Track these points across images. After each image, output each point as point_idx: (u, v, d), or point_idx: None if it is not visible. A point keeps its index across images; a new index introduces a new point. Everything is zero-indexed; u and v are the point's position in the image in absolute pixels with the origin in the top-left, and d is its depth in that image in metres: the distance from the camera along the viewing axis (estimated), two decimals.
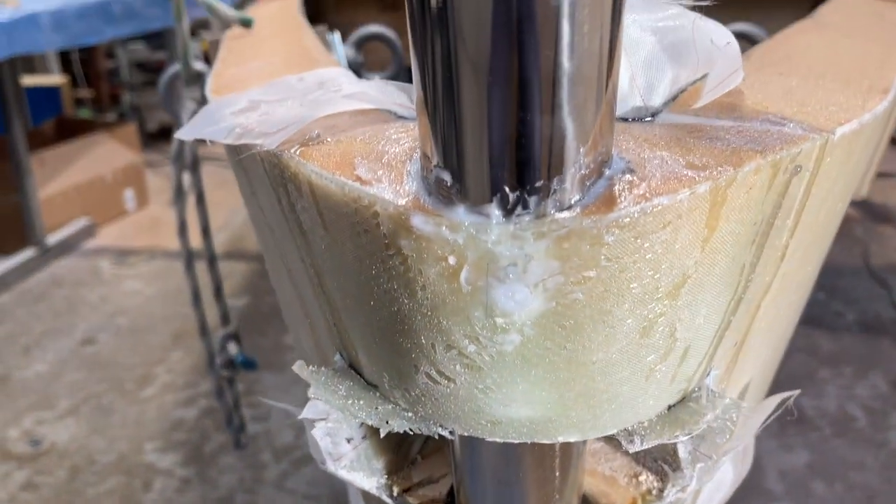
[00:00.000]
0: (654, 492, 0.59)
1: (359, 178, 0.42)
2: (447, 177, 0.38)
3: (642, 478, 0.60)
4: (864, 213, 3.21)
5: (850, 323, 2.58)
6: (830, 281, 2.78)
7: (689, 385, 0.51)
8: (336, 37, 1.27)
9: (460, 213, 0.39)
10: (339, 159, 0.45)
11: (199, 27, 3.42)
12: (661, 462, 0.60)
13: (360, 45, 1.47)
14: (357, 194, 0.42)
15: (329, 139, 0.48)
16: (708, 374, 0.53)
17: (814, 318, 2.55)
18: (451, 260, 0.40)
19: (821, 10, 1.08)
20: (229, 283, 2.86)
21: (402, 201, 0.40)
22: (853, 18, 1.00)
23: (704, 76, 0.51)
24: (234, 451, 2.00)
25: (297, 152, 0.46)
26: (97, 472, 1.98)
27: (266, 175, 0.51)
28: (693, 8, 0.49)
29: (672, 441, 0.49)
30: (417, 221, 0.39)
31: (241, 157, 0.53)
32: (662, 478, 0.59)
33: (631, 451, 0.48)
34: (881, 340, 2.48)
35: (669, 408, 0.51)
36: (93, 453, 2.04)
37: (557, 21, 0.33)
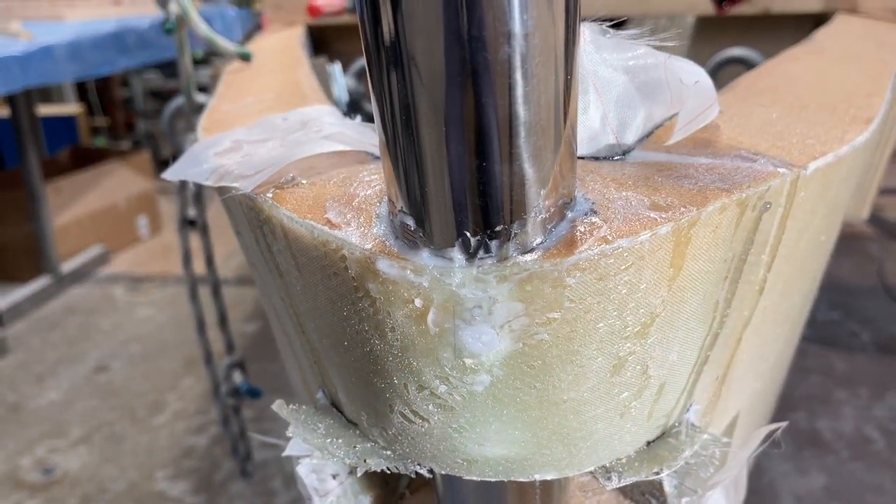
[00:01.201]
0: None
1: (328, 222, 0.43)
2: (411, 221, 0.39)
3: None
4: (879, 230, 3.17)
5: (866, 343, 2.55)
6: (845, 300, 2.75)
7: (669, 420, 0.51)
8: (336, 68, 1.29)
9: (424, 256, 0.39)
10: (311, 203, 0.45)
11: (211, 55, 3.48)
12: (648, 496, 0.60)
13: (361, 75, 1.49)
14: (325, 238, 0.42)
15: (304, 182, 0.49)
16: (688, 409, 0.53)
17: (829, 338, 2.51)
18: (418, 302, 0.40)
19: (818, 34, 1.08)
20: (239, 308, 2.88)
21: (368, 245, 0.41)
22: (849, 44, 1.00)
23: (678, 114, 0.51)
24: (244, 478, 2.00)
25: (272, 196, 0.47)
26: (109, 500, 1.98)
27: (245, 216, 0.52)
28: (660, 47, 0.50)
29: (651, 478, 0.49)
30: (383, 265, 0.40)
31: (222, 197, 0.54)
32: None
33: (608, 489, 0.48)
34: None
35: (648, 443, 0.51)
36: (104, 481, 2.05)
37: (510, 73, 0.34)
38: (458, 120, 0.35)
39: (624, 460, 0.49)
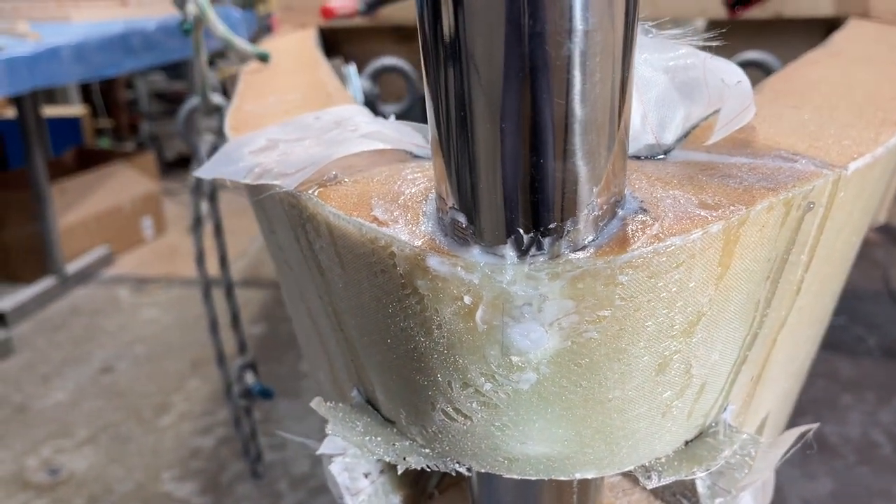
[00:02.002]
0: None
1: (375, 219, 0.43)
2: (462, 218, 0.39)
3: None
4: (885, 236, 3.18)
5: (872, 348, 2.55)
6: (851, 305, 2.75)
7: (706, 420, 0.51)
8: (352, 69, 1.29)
9: (475, 253, 0.39)
10: (356, 200, 0.45)
11: (216, 57, 3.49)
12: (680, 496, 0.60)
13: (376, 76, 1.49)
14: (374, 235, 0.42)
15: (346, 180, 0.49)
16: (725, 409, 0.53)
17: (835, 343, 2.51)
18: (467, 300, 0.40)
19: (833, 38, 1.08)
20: (246, 310, 2.88)
21: (418, 242, 0.41)
22: (865, 47, 1.01)
23: (716, 113, 0.51)
24: (250, 480, 1.99)
25: (315, 193, 0.47)
26: (115, 501, 1.98)
27: (285, 215, 0.52)
28: (703, 47, 0.50)
29: (690, 477, 0.49)
30: (433, 262, 0.40)
31: (260, 196, 0.54)
32: None
33: (649, 488, 0.48)
34: None
35: (686, 443, 0.51)
36: (111, 482, 2.05)
37: (568, 70, 0.34)
38: (514, 116, 0.35)
39: (663, 459, 0.49)
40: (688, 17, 1.50)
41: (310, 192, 0.47)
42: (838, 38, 1.09)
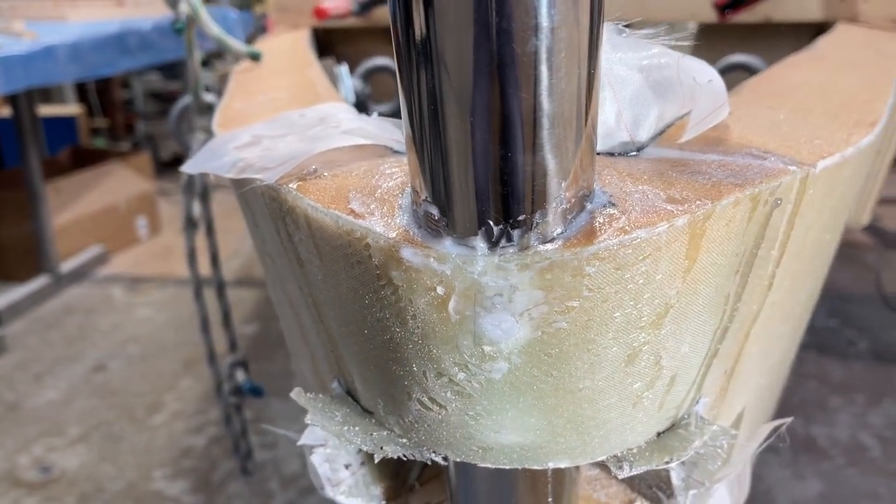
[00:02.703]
0: None
1: (352, 212, 0.44)
2: (435, 211, 0.40)
3: None
4: (877, 240, 3.19)
5: (863, 351, 2.56)
6: (843, 308, 2.77)
7: (679, 412, 0.52)
8: (344, 69, 1.30)
9: (448, 245, 0.40)
10: (334, 193, 0.47)
11: (213, 57, 3.49)
12: (656, 489, 0.61)
13: (368, 76, 1.50)
14: (350, 227, 0.43)
15: (326, 174, 0.50)
16: (697, 402, 0.54)
17: (825, 345, 2.53)
18: (440, 290, 0.41)
19: (819, 41, 1.09)
20: (238, 310, 2.88)
21: (392, 234, 0.42)
22: (849, 51, 1.02)
23: (690, 113, 0.52)
24: (241, 478, 2.00)
25: (295, 187, 0.48)
26: (106, 500, 1.98)
27: (266, 208, 0.53)
28: (676, 48, 0.51)
29: (661, 467, 0.50)
30: (407, 253, 0.41)
31: (242, 190, 0.55)
32: None
33: (620, 477, 0.49)
34: (894, 368, 2.46)
35: (659, 435, 0.52)
36: (102, 481, 2.05)
37: (535, 66, 0.35)
38: (484, 110, 0.36)
39: (635, 450, 0.50)
40: (678, 21, 1.52)
41: (289, 185, 0.48)
42: (823, 42, 1.10)
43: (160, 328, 2.85)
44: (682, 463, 0.56)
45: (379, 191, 0.46)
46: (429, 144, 0.39)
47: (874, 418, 2.22)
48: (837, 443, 2.12)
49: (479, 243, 0.40)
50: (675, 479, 0.57)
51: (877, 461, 2.06)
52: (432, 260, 0.40)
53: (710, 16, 1.49)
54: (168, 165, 4.68)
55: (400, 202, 0.44)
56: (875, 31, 1.25)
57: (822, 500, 1.92)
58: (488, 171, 0.38)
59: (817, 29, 1.47)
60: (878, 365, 2.49)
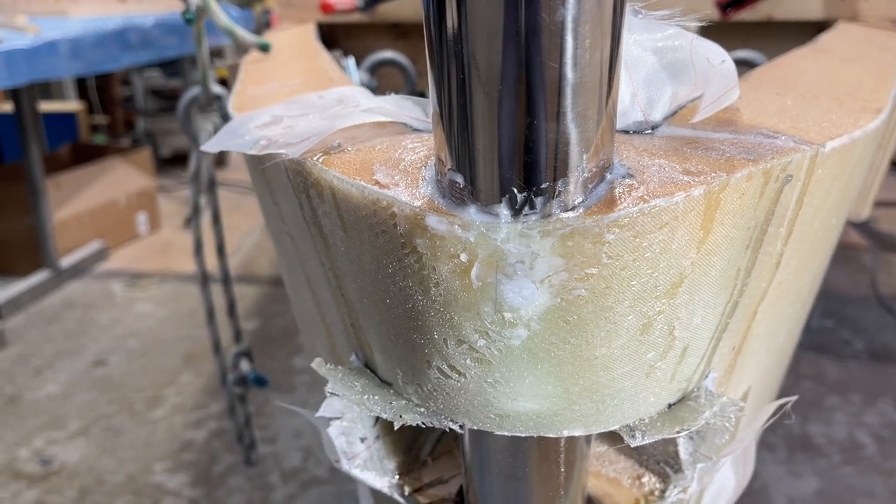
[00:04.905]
0: (656, 493, 0.61)
1: (377, 183, 0.45)
2: (460, 179, 0.41)
3: (645, 479, 0.62)
4: (873, 241, 3.22)
5: (859, 351, 2.58)
6: (839, 309, 2.79)
7: (689, 385, 0.54)
8: (350, 61, 1.32)
9: (472, 212, 0.42)
10: (358, 166, 0.48)
11: (213, 55, 3.50)
12: (663, 464, 0.62)
13: (374, 69, 1.52)
14: (376, 197, 0.45)
15: (349, 148, 0.51)
16: (707, 377, 0.55)
17: (822, 345, 2.55)
18: (463, 257, 0.42)
19: (821, 37, 1.11)
20: (240, 305, 2.89)
21: (417, 203, 0.43)
22: (851, 46, 1.04)
23: (702, 95, 0.54)
24: (242, 472, 2.01)
25: (320, 160, 0.49)
26: (106, 492, 1.99)
27: (289, 183, 0.54)
28: (691, 28, 0.53)
29: (672, 436, 0.51)
30: (432, 221, 0.42)
31: (264, 165, 0.56)
32: (664, 479, 0.61)
33: (633, 446, 0.51)
34: (889, 368, 2.48)
35: (669, 406, 0.53)
36: (102, 474, 2.06)
37: (562, 35, 0.36)
38: (511, 78, 0.37)
39: (647, 420, 0.51)
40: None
41: (314, 159, 0.50)
42: (825, 37, 1.12)
43: (160, 323, 2.85)
44: (691, 437, 0.58)
45: (403, 163, 0.47)
46: (456, 114, 0.40)
47: (870, 417, 2.24)
48: (834, 441, 2.14)
49: (503, 210, 0.41)
50: (684, 453, 0.59)
51: (873, 459, 2.07)
52: (457, 227, 0.42)
53: (712, 14, 1.51)
54: (168, 162, 4.68)
55: (424, 174, 0.46)
56: (875, 29, 1.27)
57: (818, 498, 1.94)
58: (513, 139, 0.39)
59: (818, 28, 1.49)
60: (874, 365, 2.51)
